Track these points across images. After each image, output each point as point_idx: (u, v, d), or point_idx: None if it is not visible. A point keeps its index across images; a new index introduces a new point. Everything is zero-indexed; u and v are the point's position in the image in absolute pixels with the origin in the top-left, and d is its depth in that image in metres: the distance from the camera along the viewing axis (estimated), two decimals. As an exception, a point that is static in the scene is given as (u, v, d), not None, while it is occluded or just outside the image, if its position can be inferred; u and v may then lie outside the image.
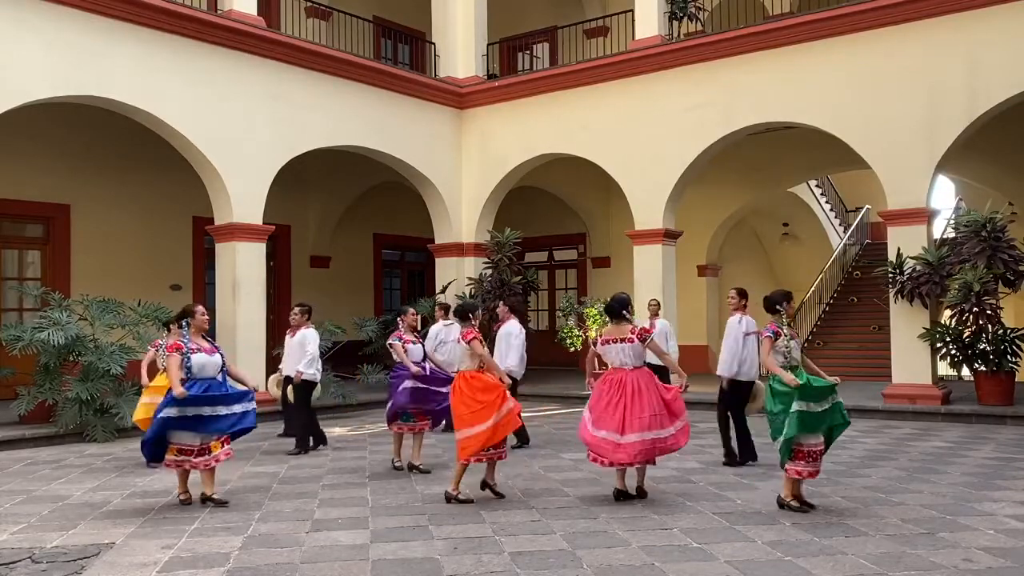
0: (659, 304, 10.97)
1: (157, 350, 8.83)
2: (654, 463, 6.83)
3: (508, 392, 6.75)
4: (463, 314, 7.07)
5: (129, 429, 10.24)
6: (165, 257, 14.99)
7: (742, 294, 8.44)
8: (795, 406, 6.00)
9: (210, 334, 12.96)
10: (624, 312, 6.83)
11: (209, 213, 12.64)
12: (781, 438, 6.04)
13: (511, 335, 9.40)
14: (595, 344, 7.08)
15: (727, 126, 13.18)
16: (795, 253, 21.48)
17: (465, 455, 6.57)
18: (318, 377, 9.47)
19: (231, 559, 5.18)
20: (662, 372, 8.28)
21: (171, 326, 8.20)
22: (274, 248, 16.36)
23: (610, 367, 6.82)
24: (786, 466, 6.14)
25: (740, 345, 8.13)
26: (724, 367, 8.25)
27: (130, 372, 10.55)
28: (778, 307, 6.46)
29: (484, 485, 6.80)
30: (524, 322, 10.41)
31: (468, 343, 6.78)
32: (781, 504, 6.25)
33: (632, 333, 6.72)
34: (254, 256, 12.53)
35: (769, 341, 6.25)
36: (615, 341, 6.75)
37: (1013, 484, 7.11)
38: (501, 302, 10.12)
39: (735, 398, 8.24)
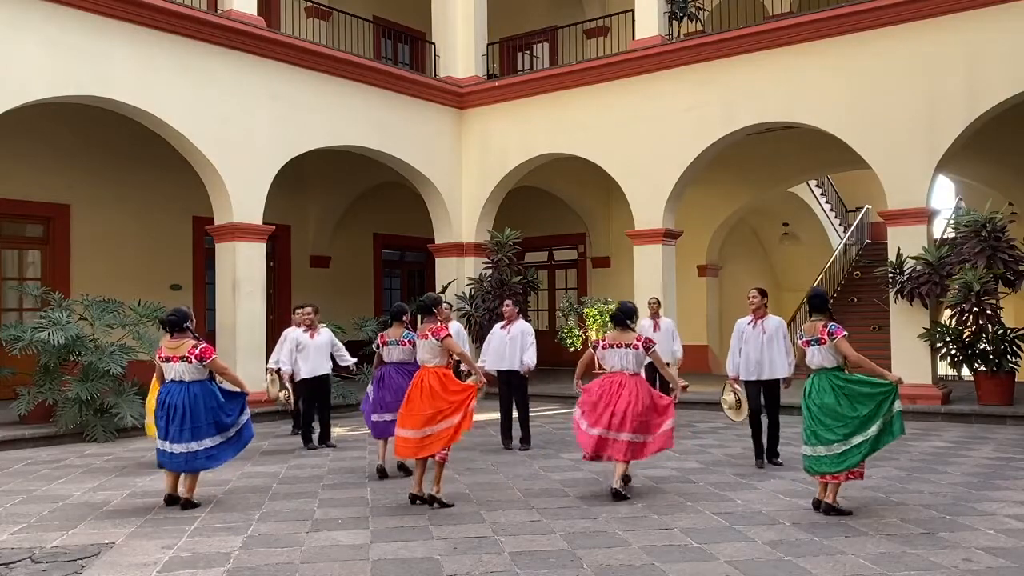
0: (659, 302, 10.95)
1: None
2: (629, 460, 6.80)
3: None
4: (427, 309, 6.92)
5: (129, 429, 10.26)
6: (165, 257, 15.00)
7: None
8: (898, 404, 6.04)
9: (211, 334, 13.10)
10: (628, 322, 6.98)
11: (209, 213, 12.64)
12: (860, 439, 5.95)
13: (526, 334, 9.37)
14: (595, 348, 7.14)
15: (727, 126, 13.18)
16: (795, 253, 21.50)
17: (429, 452, 6.47)
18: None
19: (231, 559, 5.18)
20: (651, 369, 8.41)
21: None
22: (274, 248, 16.37)
23: (608, 370, 6.94)
24: (854, 468, 6.06)
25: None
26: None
27: (130, 372, 10.55)
28: (828, 306, 6.48)
29: (431, 499, 6.50)
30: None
31: (442, 340, 6.70)
32: (837, 510, 6.04)
33: (637, 340, 6.86)
34: (254, 256, 12.53)
35: (845, 339, 6.17)
36: (618, 346, 6.88)
37: (1013, 484, 7.11)
38: (510, 301, 9.83)
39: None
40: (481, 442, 9.71)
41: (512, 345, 9.31)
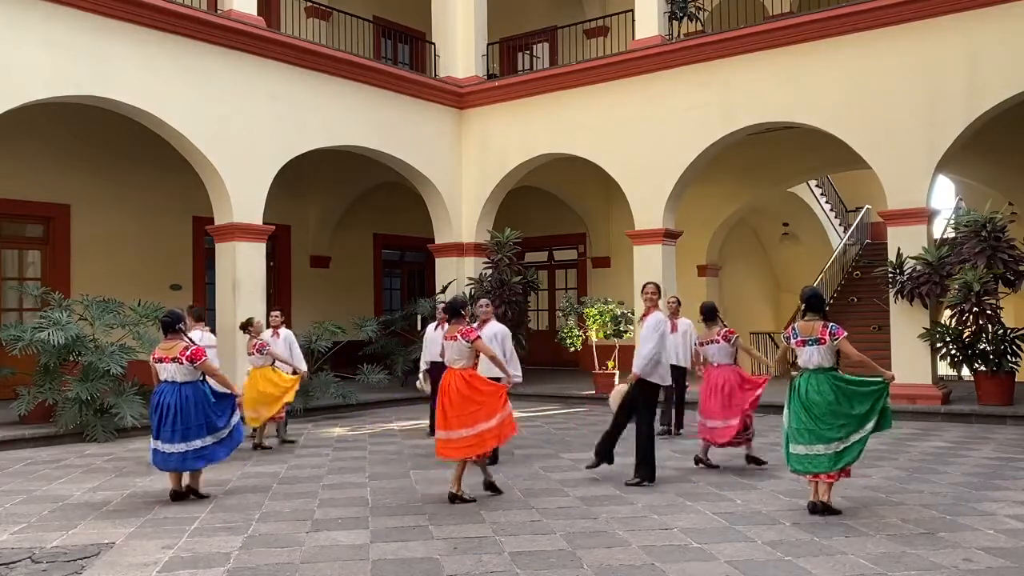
0: (679, 301, 10.51)
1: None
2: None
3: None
4: (455, 311, 6.94)
5: (129, 429, 10.26)
6: (165, 257, 14.99)
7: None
8: (888, 400, 6.15)
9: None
10: (709, 321, 8.03)
11: (209, 213, 12.64)
12: (858, 436, 6.03)
13: (505, 339, 8.42)
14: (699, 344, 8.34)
15: (727, 126, 13.18)
16: (795, 253, 21.49)
17: (467, 453, 6.57)
18: None
19: (231, 559, 5.18)
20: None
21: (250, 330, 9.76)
22: (274, 248, 16.36)
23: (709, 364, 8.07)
24: (849, 467, 6.11)
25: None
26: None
27: (130, 372, 10.55)
28: (825, 306, 6.54)
29: (483, 485, 6.79)
30: (523, 322, 10.24)
31: (472, 342, 6.70)
32: (831, 510, 6.05)
33: (718, 335, 7.93)
34: (254, 256, 12.53)
35: (847, 339, 6.20)
36: (709, 342, 8.02)
37: (1013, 484, 7.11)
38: (486, 300, 9.03)
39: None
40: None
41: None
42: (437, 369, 8.65)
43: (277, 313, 10.59)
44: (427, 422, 10.24)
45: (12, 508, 6.67)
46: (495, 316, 9.07)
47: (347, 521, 6.10)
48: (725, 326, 8.08)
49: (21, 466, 8.59)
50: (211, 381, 7.04)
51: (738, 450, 8.24)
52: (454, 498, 6.58)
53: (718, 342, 7.92)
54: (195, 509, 6.52)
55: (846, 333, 6.21)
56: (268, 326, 10.36)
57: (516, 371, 7.99)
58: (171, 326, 6.84)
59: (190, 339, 6.95)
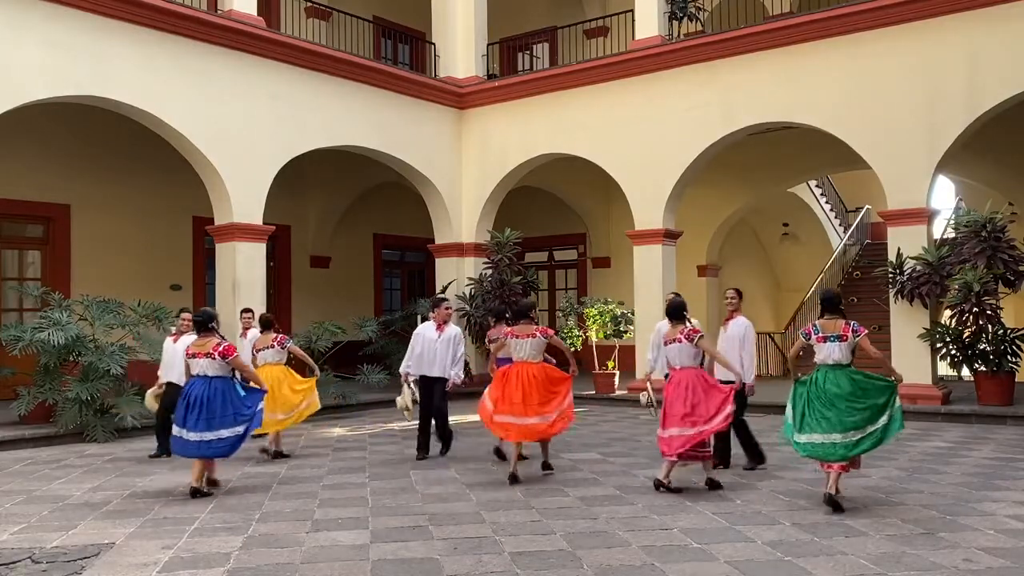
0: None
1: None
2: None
3: None
4: (524, 314, 7.87)
5: (129, 429, 10.24)
6: (165, 257, 14.99)
7: (741, 295, 8.28)
8: (898, 400, 6.33)
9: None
10: (675, 319, 7.14)
11: (209, 213, 12.65)
12: (873, 428, 6.21)
13: (458, 342, 8.78)
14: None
15: (727, 126, 13.18)
16: (795, 253, 21.49)
17: (555, 431, 7.59)
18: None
19: (231, 559, 5.18)
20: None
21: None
22: (274, 248, 16.36)
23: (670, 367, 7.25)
24: (858, 458, 6.35)
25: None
26: (750, 374, 7.81)
27: (130, 373, 10.55)
28: (841, 306, 6.66)
29: (544, 465, 7.87)
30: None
31: (549, 338, 7.67)
32: (836, 505, 6.17)
33: (681, 334, 7.00)
34: (254, 256, 12.54)
35: (867, 337, 6.46)
36: (675, 341, 7.05)
37: (1013, 484, 7.11)
38: (449, 303, 9.15)
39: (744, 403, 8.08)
40: (484, 442, 9.70)
41: (444, 349, 8.66)
42: (426, 383, 8.77)
43: (250, 315, 10.61)
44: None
45: (12, 508, 6.67)
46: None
47: (347, 521, 6.10)
48: (690, 324, 7.05)
49: (21, 466, 8.59)
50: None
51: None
52: (545, 466, 7.79)
53: (680, 341, 6.92)
54: (195, 509, 6.52)
55: (866, 331, 6.51)
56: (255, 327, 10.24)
57: (458, 372, 8.78)
58: (204, 324, 7.22)
59: (222, 336, 7.26)
